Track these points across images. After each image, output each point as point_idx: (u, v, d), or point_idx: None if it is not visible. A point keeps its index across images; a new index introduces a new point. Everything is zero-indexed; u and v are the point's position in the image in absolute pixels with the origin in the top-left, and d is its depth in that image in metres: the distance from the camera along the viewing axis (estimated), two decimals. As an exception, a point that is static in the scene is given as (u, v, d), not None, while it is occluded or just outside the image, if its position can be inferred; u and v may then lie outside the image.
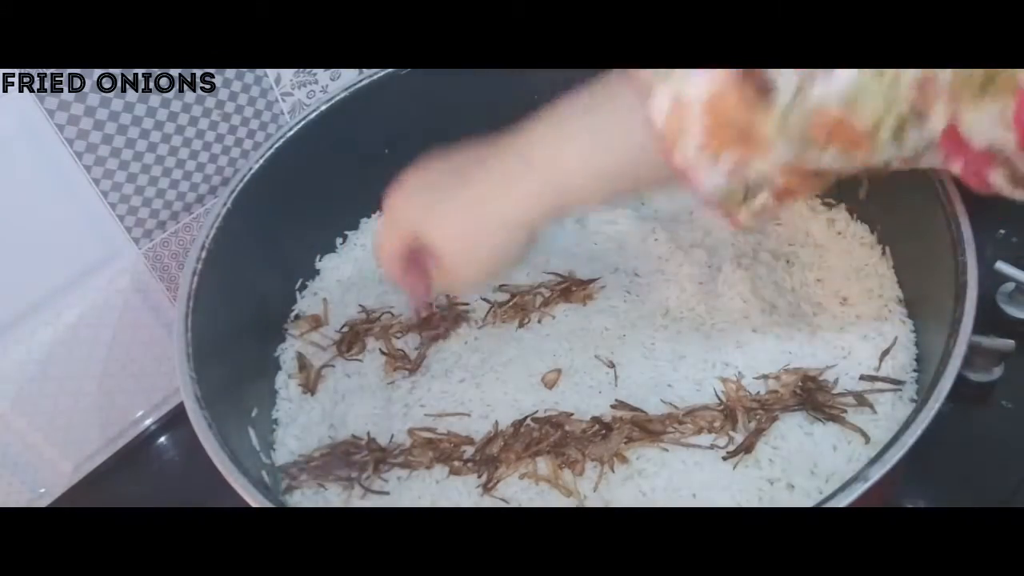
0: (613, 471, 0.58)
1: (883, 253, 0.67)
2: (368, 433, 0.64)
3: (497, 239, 0.52)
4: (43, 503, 0.72)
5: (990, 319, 0.68)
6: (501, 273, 0.55)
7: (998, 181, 0.44)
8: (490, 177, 0.52)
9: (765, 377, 0.61)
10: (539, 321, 0.68)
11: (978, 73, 0.40)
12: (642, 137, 0.46)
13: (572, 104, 0.50)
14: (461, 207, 0.52)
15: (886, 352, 0.61)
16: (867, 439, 0.57)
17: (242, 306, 0.68)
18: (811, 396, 0.59)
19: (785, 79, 0.43)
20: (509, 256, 0.53)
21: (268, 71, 0.71)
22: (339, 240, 0.78)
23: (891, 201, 0.66)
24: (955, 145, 0.43)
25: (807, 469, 0.56)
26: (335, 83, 0.76)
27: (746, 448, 0.57)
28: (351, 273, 0.76)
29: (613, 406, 0.61)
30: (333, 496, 0.61)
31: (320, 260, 0.76)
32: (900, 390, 0.59)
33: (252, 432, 0.64)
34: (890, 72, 0.42)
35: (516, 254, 0.53)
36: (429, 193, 0.54)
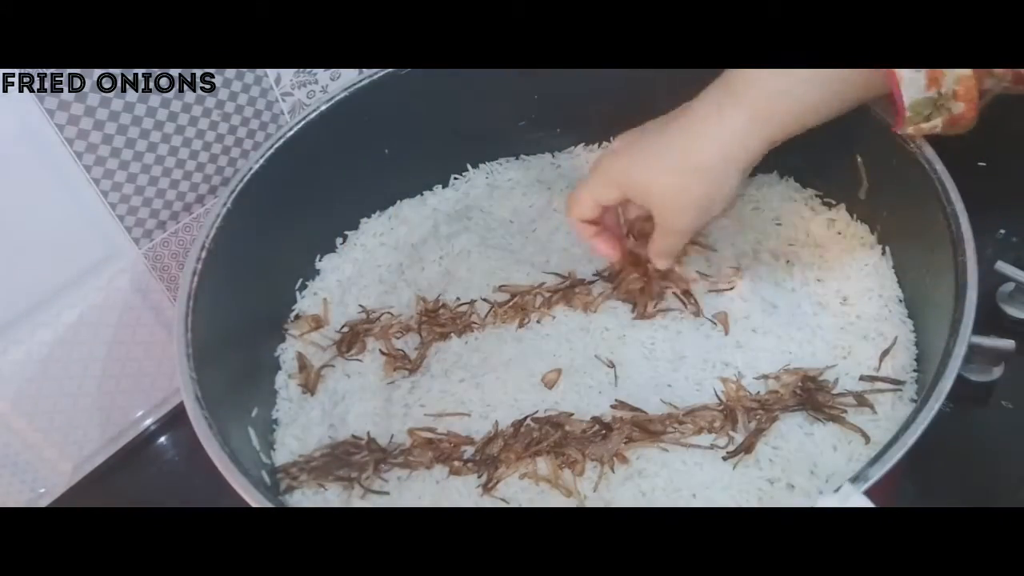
0: (613, 471, 0.58)
1: (883, 253, 0.67)
2: (368, 433, 0.64)
3: (706, 179, 0.52)
4: (43, 503, 0.72)
5: (990, 319, 0.68)
6: (715, 214, 0.55)
7: None
8: (694, 118, 0.52)
9: (765, 377, 0.61)
10: (539, 321, 0.67)
11: None
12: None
13: None
14: (669, 150, 0.53)
15: (886, 352, 0.61)
16: (867, 439, 0.57)
17: (242, 306, 0.68)
18: (811, 396, 0.59)
19: None
20: (719, 197, 0.53)
21: (268, 71, 0.71)
22: (339, 240, 0.78)
23: (891, 201, 0.66)
24: None
25: (807, 469, 0.56)
26: (335, 83, 0.76)
27: (746, 448, 0.57)
28: (351, 273, 0.76)
29: (613, 406, 0.61)
30: (333, 496, 0.61)
31: (320, 260, 0.76)
32: (900, 390, 0.59)
33: (252, 432, 0.64)
34: None
35: (726, 195, 0.53)
36: (634, 144, 0.55)
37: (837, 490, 0.44)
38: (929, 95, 0.50)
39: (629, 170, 0.55)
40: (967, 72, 0.48)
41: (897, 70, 0.49)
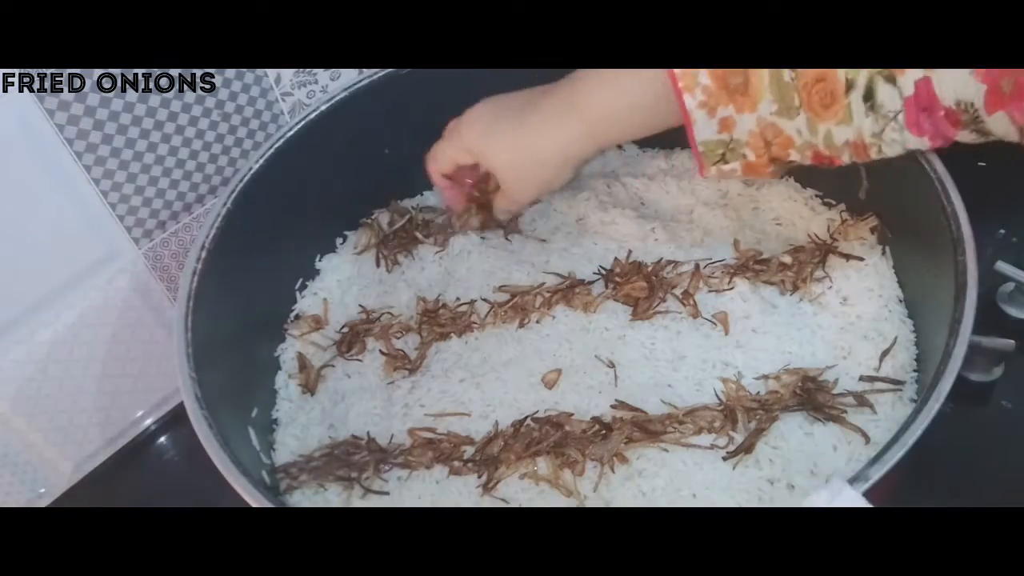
0: (613, 471, 0.58)
1: (883, 253, 0.67)
2: (368, 433, 0.64)
3: (546, 170, 0.63)
4: (43, 503, 0.72)
5: (990, 319, 0.68)
6: (554, 190, 0.68)
7: (965, 137, 0.49)
8: (542, 118, 0.61)
9: (765, 377, 0.61)
10: (539, 321, 0.67)
11: None
12: (663, 87, 0.55)
13: None
14: (518, 140, 0.63)
15: (886, 352, 0.61)
16: (867, 439, 0.57)
17: (242, 306, 0.68)
18: (811, 396, 0.59)
19: None
20: (555, 184, 0.65)
21: (268, 71, 0.71)
22: (339, 240, 0.78)
23: (891, 201, 0.66)
24: (925, 106, 0.48)
25: (807, 469, 0.56)
26: (335, 83, 0.76)
27: (746, 448, 0.57)
28: (351, 273, 0.76)
29: (613, 406, 0.61)
30: (333, 496, 0.61)
31: (320, 260, 0.76)
32: (900, 390, 0.59)
33: (252, 432, 0.64)
34: None
35: (561, 182, 0.65)
36: (490, 123, 0.64)
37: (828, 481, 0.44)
38: (721, 137, 0.56)
39: (484, 143, 0.64)
40: (755, 128, 0.55)
41: (691, 111, 0.54)
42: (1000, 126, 0.46)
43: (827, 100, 0.51)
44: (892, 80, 0.48)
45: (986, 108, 0.46)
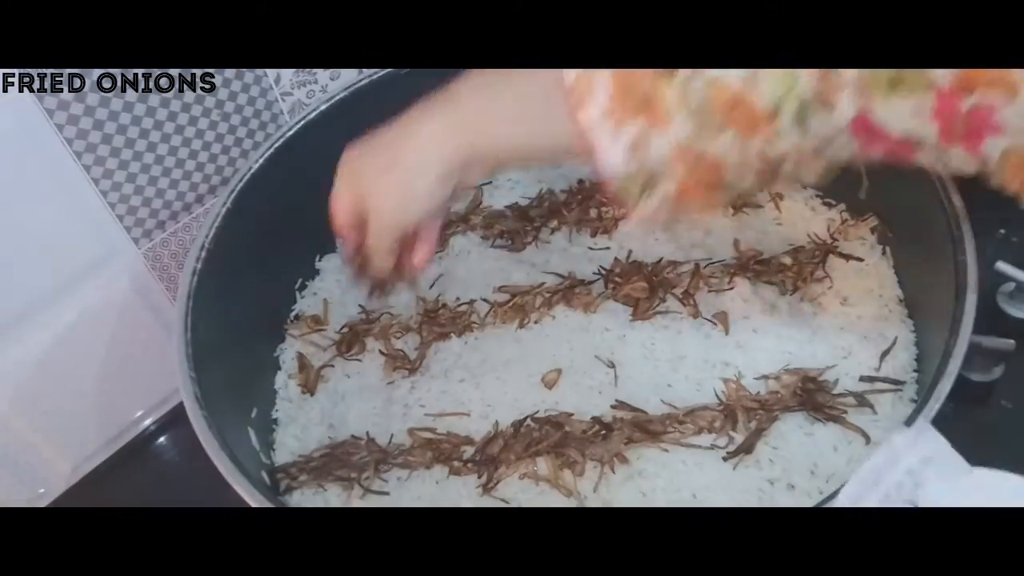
0: (613, 471, 0.58)
1: (883, 253, 0.67)
2: (368, 433, 0.64)
3: (408, 175, 0.53)
4: (43, 503, 0.72)
5: (990, 319, 0.68)
6: (412, 213, 0.54)
7: (925, 160, 0.44)
8: (412, 115, 0.53)
9: (765, 377, 0.61)
10: (539, 321, 0.68)
11: (884, 71, 0.40)
12: (559, 102, 0.46)
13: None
14: (386, 147, 0.54)
15: (886, 352, 0.61)
16: (868, 439, 0.57)
17: (242, 306, 0.68)
18: (811, 396, 0.59)
19: None
20: (423, 198, 0.53)
21: (268, 71, 0.71)
22: (339, 240, 0.78)
23: (891, 201, 0.66)
24: (870, 133, 0.42)
25: (807, 469, 0.56)
26: (335, 83, 0.76)
27: (746, 448, 0.57)
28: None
29: (613, 406, 0.61)
30: (333, 496, 0.61)
31: (320, 260, 0.76)
32: (900, 390, 0.59)
33: (252, 432, 0.64)
34: None
35: (431, 195, 0.53)
36: (369, 139, 0.55)
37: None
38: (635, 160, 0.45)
39: (358, 160, 0.56)
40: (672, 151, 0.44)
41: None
42: (956, 160, 0.42)
43: (750, 126, 0.43)
44: (828, 108, 0.41)
45: (942, 142, 0.41)
